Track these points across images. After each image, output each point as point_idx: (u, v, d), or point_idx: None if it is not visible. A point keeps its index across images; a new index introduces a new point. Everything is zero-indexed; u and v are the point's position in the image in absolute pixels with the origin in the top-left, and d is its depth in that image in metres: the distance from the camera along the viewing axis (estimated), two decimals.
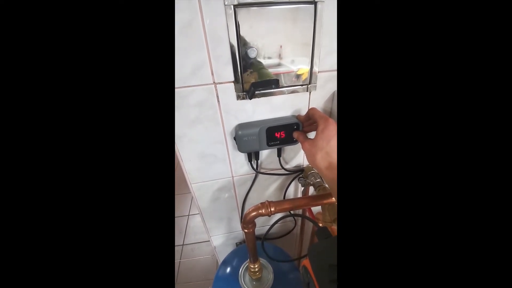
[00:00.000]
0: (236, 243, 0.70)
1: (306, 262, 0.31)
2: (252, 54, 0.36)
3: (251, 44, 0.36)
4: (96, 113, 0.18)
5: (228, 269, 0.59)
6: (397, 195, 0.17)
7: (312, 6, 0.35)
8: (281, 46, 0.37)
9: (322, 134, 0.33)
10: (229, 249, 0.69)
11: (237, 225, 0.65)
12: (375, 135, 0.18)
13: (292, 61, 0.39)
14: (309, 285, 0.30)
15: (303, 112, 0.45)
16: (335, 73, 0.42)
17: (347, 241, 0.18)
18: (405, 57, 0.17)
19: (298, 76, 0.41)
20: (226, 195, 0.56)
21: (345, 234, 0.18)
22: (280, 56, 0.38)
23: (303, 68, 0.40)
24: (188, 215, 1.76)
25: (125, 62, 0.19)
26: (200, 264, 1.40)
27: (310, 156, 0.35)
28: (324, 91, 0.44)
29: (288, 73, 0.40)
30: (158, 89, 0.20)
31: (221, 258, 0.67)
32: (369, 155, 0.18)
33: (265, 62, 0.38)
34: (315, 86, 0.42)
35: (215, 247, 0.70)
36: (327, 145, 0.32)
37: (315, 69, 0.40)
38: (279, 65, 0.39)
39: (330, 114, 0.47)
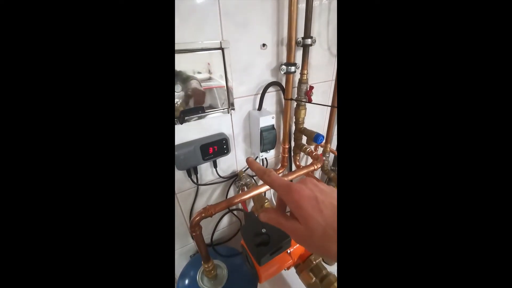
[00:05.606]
0: (190, 256, 0.74)
1: (242, 241, 0.41)
2: (177, 89, 0.45)
3: (176, 81, 0.45)
4: (102, 120, 0.18)
5: (187, 280, 0.63)
6: (397, 199, 0.17)
7: (220, 51, 0.47)
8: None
9: (306, 211, 0.19)
10: (184, 263, 0.73)
11: (188, 238, 0.70)
12: (374, 138, 0.17)
13: (221, 76, 0.49)
14: (247, 257, 0.40)
15: (229, 128, 0.56)
16: (247, 98, 0.56)
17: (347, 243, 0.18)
18: (407, 59, 0.16)
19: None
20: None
21: (344, 236, 0.17)
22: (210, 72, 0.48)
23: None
24: None
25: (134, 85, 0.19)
26: None
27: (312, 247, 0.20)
28: (241, 112, 0.57)
29: (220, 87, 0.50)
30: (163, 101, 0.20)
31: (177, 273, 0.69)
32: (368, 160, 0.17)
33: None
34: (234, 109, 0.55)
35: None
36: (322, 219, 0.19)
37: (231, 96, 0.53)
38: (210, 79, 0.48)
39: (249, 128, 0.60)
